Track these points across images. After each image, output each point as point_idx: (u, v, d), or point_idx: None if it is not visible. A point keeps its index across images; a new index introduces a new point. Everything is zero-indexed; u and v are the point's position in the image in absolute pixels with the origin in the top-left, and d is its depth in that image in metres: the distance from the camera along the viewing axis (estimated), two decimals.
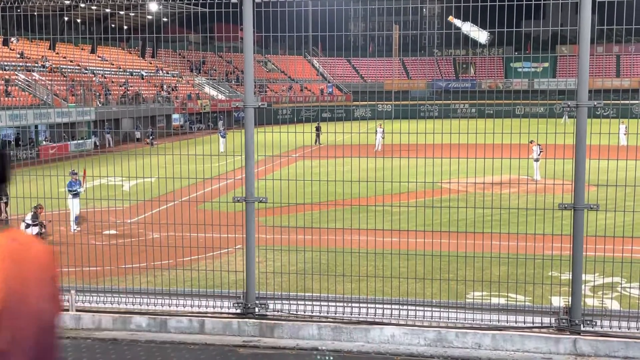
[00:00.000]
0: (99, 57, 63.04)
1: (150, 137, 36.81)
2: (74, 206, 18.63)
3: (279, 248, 11.01)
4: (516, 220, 8.61)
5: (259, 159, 8.55)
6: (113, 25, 62.80)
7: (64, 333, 8.02)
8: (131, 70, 64.28)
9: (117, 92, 53.82)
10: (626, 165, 8.26)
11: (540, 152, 25.57)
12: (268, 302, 8.06)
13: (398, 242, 11.50)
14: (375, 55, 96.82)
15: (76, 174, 18.47)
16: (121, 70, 62.65)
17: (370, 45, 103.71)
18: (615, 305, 10.93)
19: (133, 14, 61.00)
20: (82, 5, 41.74)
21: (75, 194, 18.48)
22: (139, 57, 70.50)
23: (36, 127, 41.08)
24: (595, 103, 7.23)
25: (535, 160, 26.40)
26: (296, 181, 9.02)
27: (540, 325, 7.43)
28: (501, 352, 7.26)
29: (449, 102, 68.71)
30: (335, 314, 7.86)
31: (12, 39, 52.13)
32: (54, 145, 39.95)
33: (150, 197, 15.22)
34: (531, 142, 23.44)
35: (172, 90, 62.88)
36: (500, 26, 8.21)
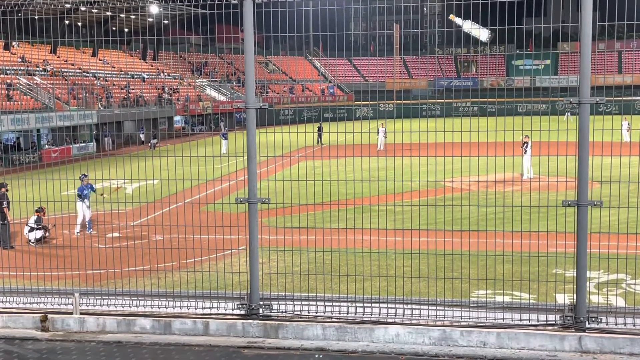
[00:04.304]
0: (100, 60, 63.13)
1: (154, 141, 36.79)
2: (84, 210, 18.56)
3: (282, 249, 11.01)
4: (520, 218, 8.59)
5: (261, 160, 8.54)
6: (114, 28, 62.88)
7: (69, 336, 8.02)
8: (132, 72, 64.37)
9: (118, 95, 53.89)
10: (629, 162, 8.24)
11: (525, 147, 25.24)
12: (272, 302, 8.05)
13: (402, 242, 11.49)
14: (376, 54, 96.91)
15: (86, 177, 18.40)
16: (122, 73, 62.75)
17: (371, 44, 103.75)
18: (620, 302, 10.92)
19: (134, 17, 61.10)
20: (83, 8, 41.80)
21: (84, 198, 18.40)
22: (140, 59, 70.60)
23: (38, 130, 41.16)
24: (598, 99, 7.20)
25: (525, 157, 25.84)
26: (299, 181, 9.02)
27: (545, 322, 7.41)
28: (506, 350, 7.24)
29: (451, 100, 68.62)
30: (340, 314, 7.85)
31: (14, 43, 52.21)
32: (56, 148, 40.05)
33: (153, 199, 15.25)
34: (525, 137, 23.43)
35: (174, 92, 62.97)
36: (501, 24, 8.19)
